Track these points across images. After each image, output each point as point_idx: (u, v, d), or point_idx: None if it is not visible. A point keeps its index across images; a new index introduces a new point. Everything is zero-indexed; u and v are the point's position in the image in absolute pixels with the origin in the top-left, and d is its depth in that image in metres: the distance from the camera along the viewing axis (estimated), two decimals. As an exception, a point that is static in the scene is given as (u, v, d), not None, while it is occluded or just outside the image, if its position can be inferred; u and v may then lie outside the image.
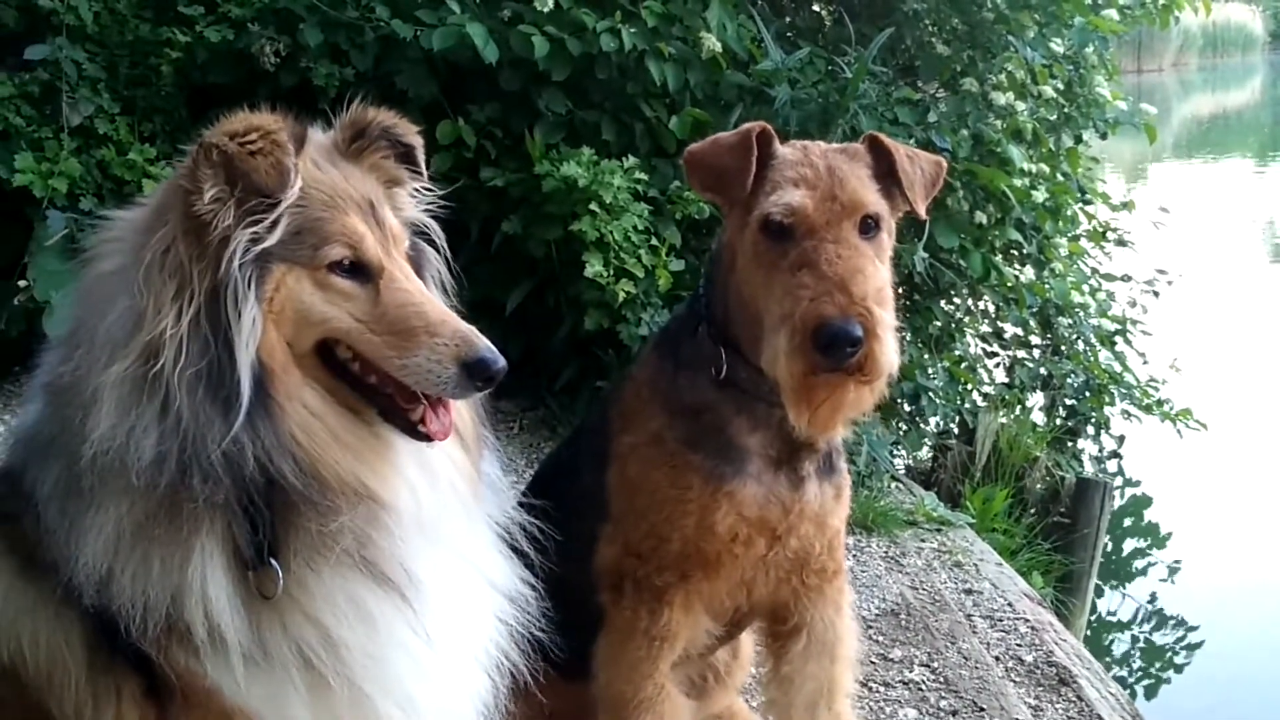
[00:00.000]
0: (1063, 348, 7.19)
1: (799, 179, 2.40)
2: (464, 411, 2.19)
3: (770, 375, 2.38)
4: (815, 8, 6.85)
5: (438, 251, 2.25)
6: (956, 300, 6.87)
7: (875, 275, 2.34)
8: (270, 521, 1.95)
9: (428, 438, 2.02)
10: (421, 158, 2.19)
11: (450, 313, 2.02)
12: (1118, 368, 7.22)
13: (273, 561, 1.96)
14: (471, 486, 2.18)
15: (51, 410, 2.05)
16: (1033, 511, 6.53)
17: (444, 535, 2.12)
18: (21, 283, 5.29)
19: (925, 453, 6.80)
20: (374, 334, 1.97)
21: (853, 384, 2.32)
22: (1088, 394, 7.13)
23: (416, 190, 2.22)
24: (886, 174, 2.50)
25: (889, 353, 2.28)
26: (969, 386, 6.60)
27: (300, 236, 1.95)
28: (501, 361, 1.96)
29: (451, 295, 2.26)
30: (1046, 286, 6.74)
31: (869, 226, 2.41)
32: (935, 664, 4.02)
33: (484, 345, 1.96)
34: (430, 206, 2.25)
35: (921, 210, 2.57)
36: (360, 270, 1.99)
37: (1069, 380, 7.11)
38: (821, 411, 2.36)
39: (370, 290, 1.98)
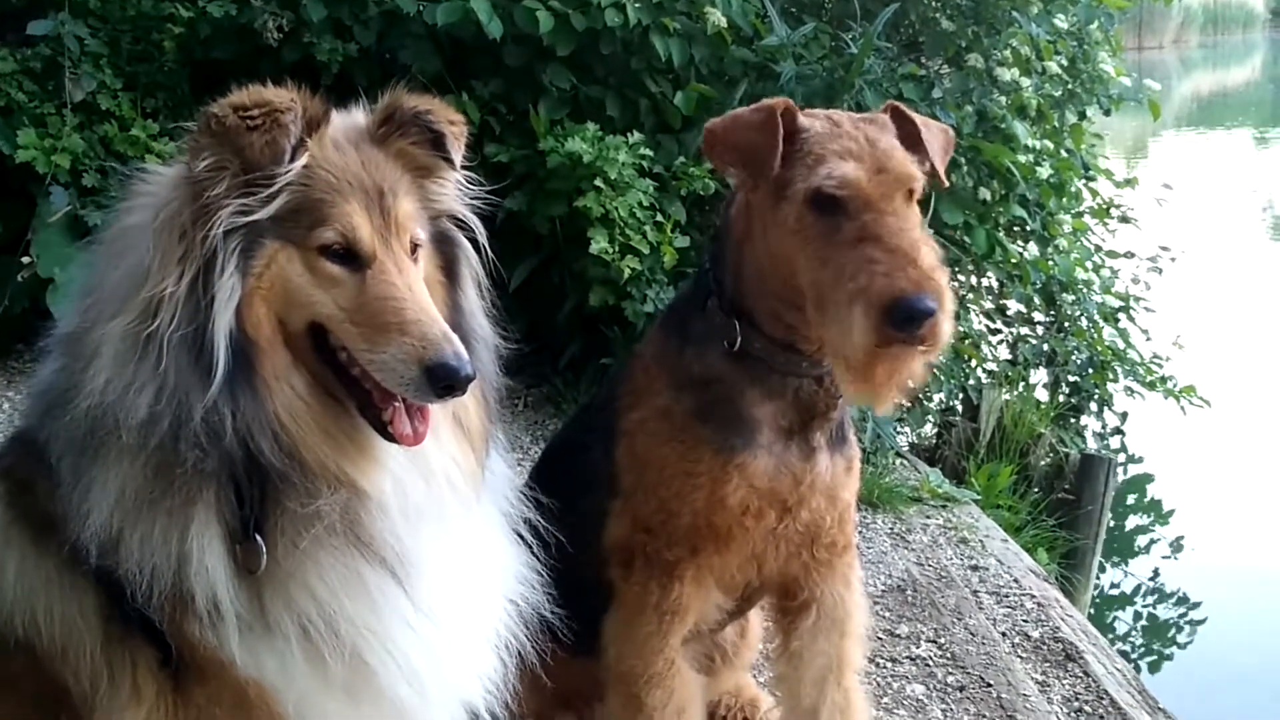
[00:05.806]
0: (1066, 324, 7.15)
1: (844, 151, 2.38)
2: (473, 410, 2.16)
3: (835, 350, 2.36)
4: (820, -18, 6.81)
5: (475, 246, 2.19)
6: (961, 277, 6.84)
7: (933, 246, 2.34)
8: (258, 497, 1.94)
9: (396, 440, 1.98)
10: (453, 146, 2.10)
11: (430, 313, 1.95)
12: (1121, 344, 7.19)
13: (257, 537, 1.95)
14: (473, 483, 2.15)
15: (64, 362, 2.04)
16: (1036, 489, 6.52)
17: (440, 525, 2.10)
18: (24, 259, 5.29)
19: (929, 429, 6.78)
20: (353, 324, 1.93)
21: (912, 354, 2.31)
22: (1091, 371, 7.10)
23: (460, 182, 2.16)
24: (907, 143, 2.50)
25: (950, 323, 2.28)
26: (973, 363, 6.58)
27: (298, 216, 1.93)
28: (466, 370, 1.89)
29: (484, 292, 2.21)
30: (1050, 263, 6.72)
31: (910, 197, 2.41)
32: (942, 640, 4.03)
33: (450, 352, 1.89)
34: (475, 201, 2.18)
35: (944, 176, 2.60)
36: (351, 257, 1.95)
37: (1073, 357, 7.08)
38: (882, 383, 2.34)
39: (358, 279, 1.94)
